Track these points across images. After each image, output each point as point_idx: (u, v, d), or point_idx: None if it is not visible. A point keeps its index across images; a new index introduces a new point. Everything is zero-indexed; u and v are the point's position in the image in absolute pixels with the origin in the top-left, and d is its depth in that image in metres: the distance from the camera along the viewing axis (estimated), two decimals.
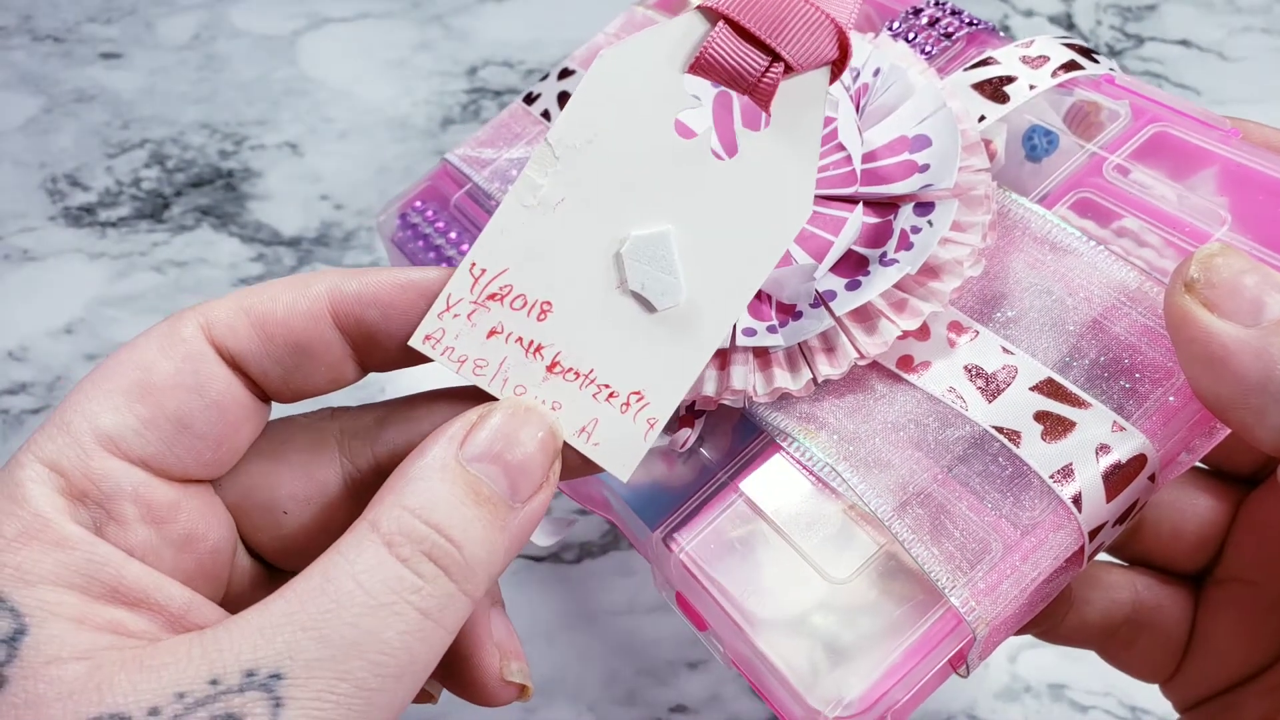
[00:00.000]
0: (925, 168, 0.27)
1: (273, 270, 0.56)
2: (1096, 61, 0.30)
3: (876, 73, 0.29)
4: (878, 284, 0.26)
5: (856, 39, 0.30)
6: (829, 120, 0.29)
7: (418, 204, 0.37)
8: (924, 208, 0.27)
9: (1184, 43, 0.61)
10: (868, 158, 0.28)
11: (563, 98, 0.36)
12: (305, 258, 0.57)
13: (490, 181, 0.35)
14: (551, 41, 0.61)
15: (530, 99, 0.37)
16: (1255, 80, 0.60)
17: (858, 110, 0.29)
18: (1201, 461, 0.27)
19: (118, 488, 0.22)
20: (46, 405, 0.53)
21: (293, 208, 0.58)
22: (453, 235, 0.35)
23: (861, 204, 0.28)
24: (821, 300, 0.27)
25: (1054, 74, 0.30)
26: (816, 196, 0.28)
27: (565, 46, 0.61)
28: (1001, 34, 0.32)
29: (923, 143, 0.28)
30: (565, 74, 0.36)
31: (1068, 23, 0.62)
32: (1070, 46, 0.31)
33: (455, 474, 0.22)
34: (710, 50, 0.24)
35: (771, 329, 0.27)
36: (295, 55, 0.61)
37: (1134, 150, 0.29)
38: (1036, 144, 0.30)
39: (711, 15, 0.24)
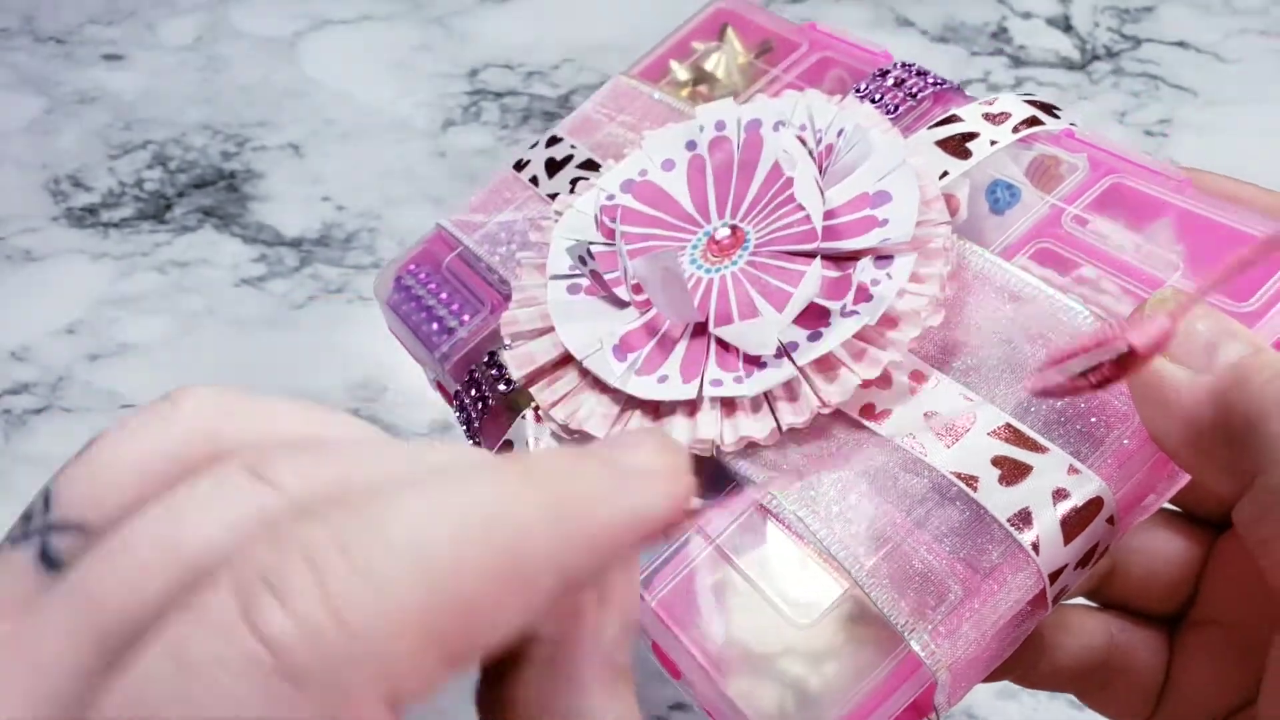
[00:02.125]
0: (884, 222, 0.28)
1: (274, 270, 0.57)
2: (1058, 117, 0.31)
3: (840, 133, 0.30)
4: (838, 334, 0.27)
5: (822, 101, 0.32)
6: (789, 182, 0.30)
7: (412, 268, 0.38)
8: (883, 260, 0.28)
9: (1181, 44, 0.62)
10: (829, 215, 0.29)
11: (550, 164, 0.37)
12: (307, 258, 0.57)
13: (480, 245, 0.36)
14: (551, 43, 0.61)
15: (520, 165, 0.38)
16: (1251, 81, 0.61)
17: (820, 170, 0.30)
18: (1172, 503, 0.27)
19: None
20: (48, 405, 0.54)
21: (294, 209, 0.58)
22: (444, 296, 0.36)
23: (820, 258, 0.28)
24: (784, 351, 0.27)
25: (1015, 129, 0.30)
26: (778, 252, 0.29)
27: (565, 49, 0.61)
28: (966, 93, 0.33)
29: (883, 198, 0.28)
30: (553, 141, 0.37)
31: (1065, 24, 0.62)
32: (1032, 103, 0.31)
33: None
34: None
35: (737, 379, 0.27)
36: (296, 57, 0.61)
37: (1091, 201, 0.29)
38: (999, 197, 0.30)
39: None
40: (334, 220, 0.58)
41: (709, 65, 0.39)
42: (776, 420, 0.27)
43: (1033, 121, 0.31)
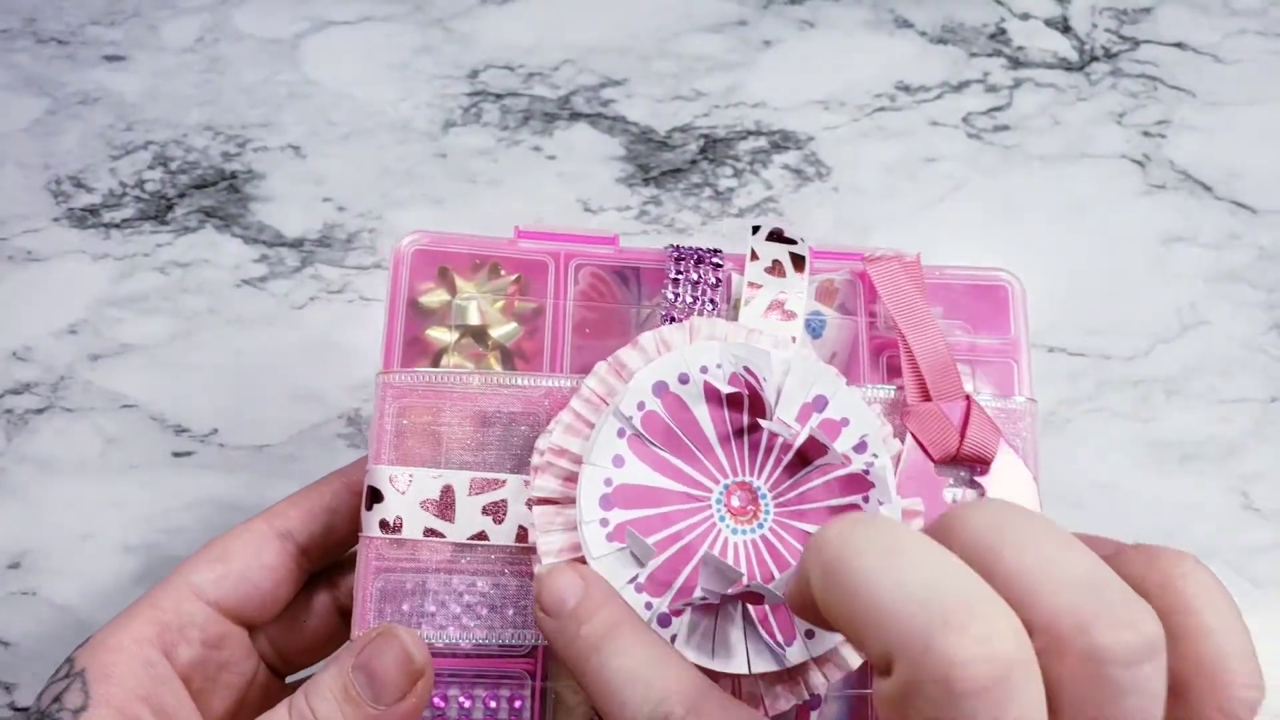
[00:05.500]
0: (845, 421, 0.34)
1: (275, 271, 0.57)
2: (793, 240, 0.37)
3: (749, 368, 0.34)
4: None
5: (679, 337, 0.35)
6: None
7: None
8: (861, 448, 0.35)
9: (1179, 45, 0.62)
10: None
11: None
12: (308, 259, 0.57)
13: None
14: (552, 45, 0.61)
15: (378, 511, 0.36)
16: (1250, 82, 0.61)
17: (769, 408, 0.34)
18: None
19: (191, 619, 0.36)
20: (50, 405, 0.54)
21: (296, 209, 0.58)
22: None
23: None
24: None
25: (798, 268, 0.37)
26: (799, 511, 0.35)
27: (565, 50, 0.61)
28: (723, 252, 0.38)
29: (821, 402, 0.34)
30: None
31: (1064, 25, 0.62)
32: (772, 238, 0.37)
33: (338, 675, 0.31)
34: None
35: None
36: (298, 58, 0.61)
37: (873, 304, 0.38)
38: (814, 326, 0.38)
39: None
40: (335, 221, 0.58)
41: (465, 319, 0.37)
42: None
43: (796, 259, 0.37)
